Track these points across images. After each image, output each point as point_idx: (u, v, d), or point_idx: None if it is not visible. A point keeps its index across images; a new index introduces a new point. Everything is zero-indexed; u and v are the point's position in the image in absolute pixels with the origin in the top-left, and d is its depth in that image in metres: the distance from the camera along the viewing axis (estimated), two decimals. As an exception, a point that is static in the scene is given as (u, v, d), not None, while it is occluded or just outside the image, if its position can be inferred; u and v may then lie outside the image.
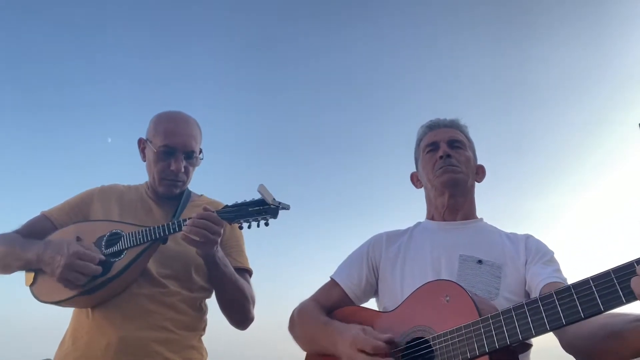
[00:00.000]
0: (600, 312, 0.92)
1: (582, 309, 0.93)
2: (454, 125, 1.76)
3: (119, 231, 1.84)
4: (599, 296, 0.91)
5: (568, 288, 0.97)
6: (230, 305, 1.90)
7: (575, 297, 0.95)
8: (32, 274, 1.85)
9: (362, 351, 1.25)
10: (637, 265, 0.88)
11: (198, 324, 1.91)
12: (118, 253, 1.78)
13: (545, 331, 1.00)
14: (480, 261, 1.50)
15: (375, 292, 1.65)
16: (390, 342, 1.26)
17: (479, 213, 1.72)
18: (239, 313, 1.92)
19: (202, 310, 1.94)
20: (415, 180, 1.83)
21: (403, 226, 1.75)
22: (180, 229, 1.73)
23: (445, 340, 1.17)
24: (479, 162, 1.78)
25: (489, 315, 1.10)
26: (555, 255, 1.53)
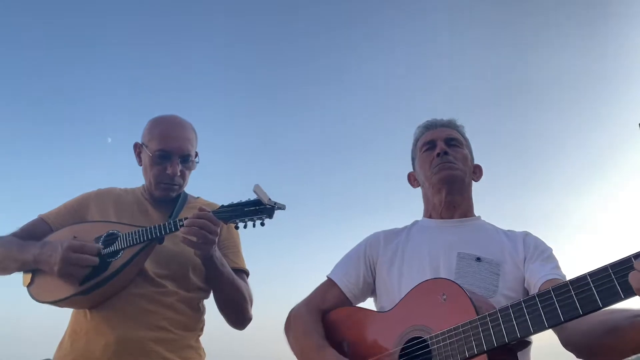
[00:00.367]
0: (599, 309, 0.91)
1: (580, 306, 0.92)
2: (450, 124, 1.77)
3: (115, 231, 1.85)
4: (597, 292, 0.90)
5: (566, 284, 0.96)
6: (228, 306, 1.90)
7: (573, 293, 0.94)
8: (29, 275, 1.85)
9: None
10: (635, 260, 0.87)
11: (196, 324, 1.91)
12: (115, 253, 1.79)
13: (543, 329, 0.99)
14: (478, 259, 1.49)
15: (372, 292, 1.64)
16: None
17: (477, 212, 1.71)
18: (237, 313, 1.92)
19: (200, 311, 1.93)
20: (412, 180, 1.82)
21: (400, 225, 1.74)
22: (176, 229, 1.73)
23: (443, 340, 1.16)
24: (476, 162, 1.77)
25: (487, 313, 1.09)
26: (554, 252, 1.52)
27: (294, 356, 1.52)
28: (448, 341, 1.15)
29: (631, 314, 1.05)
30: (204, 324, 1.96)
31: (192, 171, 2.02)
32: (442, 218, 1.66)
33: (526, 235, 1.58)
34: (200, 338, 1.93)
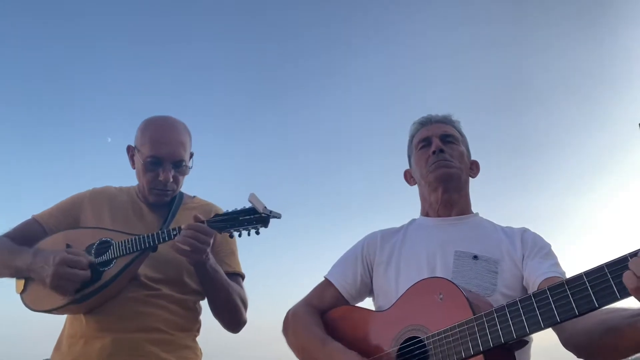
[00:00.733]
0: (595, 309, 0.89)
1: (576, 306, 0.91)
2: (446, 120, 1.74)
3: (108, 239, 1.82)
4: (593, 292, 0.88)
5: (562, 284, 0.95)
6: (221, 310, 1.89)
7: (569, 293, 0.92)
8: (22, 282, 1.84)
9: None
10: (631, 258, 0.85)
11: (192, 324, 1.90)
12: (108, 262, 1.77)
13: (539, 329, 0.98)
14: (475, 257, 1.47)
15: (370, 291, 1.62)
16: None
17: (476, 209, 1.69)
18: (231, 318, 1.91)
19: (196, 311, 1.92)
20: (408, 177, 1.80)
21: (398, 224, 1.73)
22: (170, 238, 1.72)
23: (439, 340, 1.15)
24: (476, 161, 1.75)
25: (483, 313, 1.08)
26: (553, 248, 1.50)
27: (295, 354, 1.51)
28: (444, 341, 1.14)
29: (630, 313, 1.03)
30: (200, 325, 1.95)
31: (190, 170, 1.99)
32: (439, 216, 1.64)
33: (524, 231, 1.55)
34: (198, 338, 1.92)
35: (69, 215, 1.95)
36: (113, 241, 1.81)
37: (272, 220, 1.68)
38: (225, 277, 1.84)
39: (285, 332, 1.58)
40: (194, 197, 2.11)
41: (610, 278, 0.87)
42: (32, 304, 1.80)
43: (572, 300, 0.91)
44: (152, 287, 1.80)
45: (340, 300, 1.58)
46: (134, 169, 1.98)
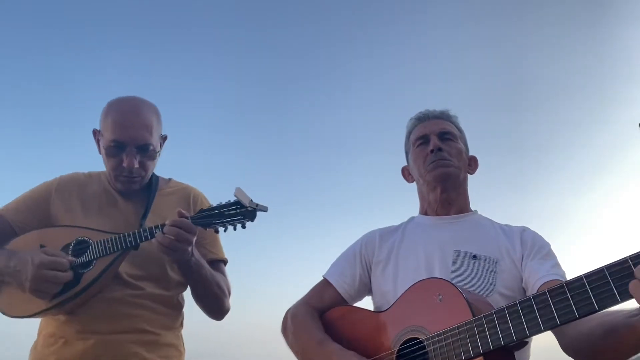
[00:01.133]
0: (595, 312, 0.88)
1: (576, 309, 0.90)
2: (443, 116, 1.71)
3: (86, 239, 1.73)
4: (593, 295, 0.87)
5: (562, 286, 0.93)
6: (205, 300, 1.84)
7: (569, 295, 0.91)
8: None
9: None
10: (634, 265, 0.84)
11: (175, 322, 1.84)
12: (87, 264, 1.69)
13: (539, 331, 0.97)
14: (474, 256, 1.45)
15: (369, 291, 1.61)
16: None
17: (476, 207, 1.68)
18: (215, 307, 1.86)
19: (179, 307, 1.87)
20: (406, 174, 1.77)
21: (397, 222, 1.71)
22: (152, 237, 1.65)
23: (439, 341, 1.14)
24: (474, 156, 1.73)
25: (482, 315, 1.07)
26: (553, 248, 1.49)
27: (294, 354, 1.50)
28: (444, 342, 1.13)
29: (628, 314, 1.02)
30: (183, 318, 1.89)
31: (159, 155, 1.86)
32: (437, 215, 1.63)
33: (523, 230, 1.54)
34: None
35: (37, 210, 1.82)
36: (91, 241, 1.71)
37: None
38: (209, 270, 1.78)
39: (284, 332, 1.57)
40: (170, 179, 2.00)
41: (610, 281, 0.85)
42: (8, 310, 1.71)
43: (572, 302, 0.90)
44: (135, 285, 1.73)
45: (339, 300, 1.56)
46: (100, 154, 1.85)
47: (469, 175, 1.70)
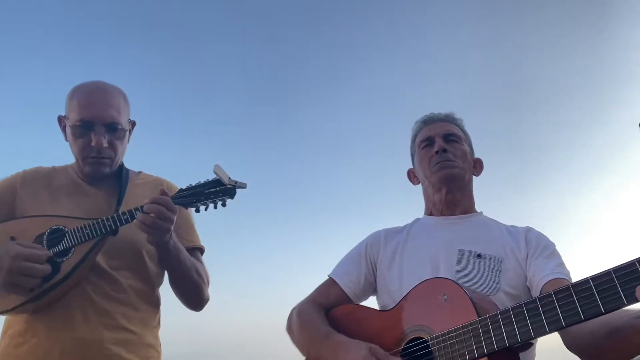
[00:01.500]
0: (601, 314, 0.88)
1: (582, 311, 0.89)
2: (448, 119, 1.72)
3: (61, 227, 1.66)
4: (599, 297, 0.87)
5: (567, 288, 0.93)
6: (184, 290, 1.79)
7: (575, 297, 0.91)
8: None
9: None
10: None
11: (153, 319, 1.79)
12: (65, 252, 1.62)
13: (544, 333, 0.97)
14: (479, 255, 1.45)
15: (374, 290, 1.61)
16: None
17: (480, 208, 1.68)
18: (194, 296, 1.81)
19: (157, 304, 1.82)
20: (412, 176, 1.78)
21: (402, 223, 1.72)
22: (133, 219, 1.59)
23: (443, 341, 1.14)
24: (476, 156, 1.74)
25: (487, 315, 1.07)
26: (557, 247, 1.49)
27: (299, 351, 1.50)
28: (448, 342, 1.13)
29: (633, 314, 1.02)
30: (160, 317, 1.84)
31: (130, 138, 1.81)
32: (442, 215, 1.63)
33: (528, 230, 1.54)
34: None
35: (2, 204, 1.74)
36: (67, 228, 1.64)
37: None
38: (188, 255, 1.74)
39: (289, 330, 1.57)
40: (140, 172, 1.95)
41: (617, 284, 0.85)
42: None
43: (578, 305, 0.90)
44: (113, 276, 1.67)
45: (345, 299, 1.57)
46: (67, 140, 1.79)
47: (474, 177, 1.70)
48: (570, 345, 1.23)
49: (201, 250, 1.90)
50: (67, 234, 1.65)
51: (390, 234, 1.65)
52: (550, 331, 0.96)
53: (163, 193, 1.60)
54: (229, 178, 1.57)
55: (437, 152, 1.61)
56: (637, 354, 1.07)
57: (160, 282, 1.83)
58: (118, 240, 1.67)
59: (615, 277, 0.86)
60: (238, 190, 1.62)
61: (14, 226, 1.68)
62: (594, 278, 0.89)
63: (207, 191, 1.60)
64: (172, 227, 1.60)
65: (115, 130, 1.72)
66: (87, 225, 1.63)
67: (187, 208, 1.65)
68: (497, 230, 1.57)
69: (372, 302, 1.62)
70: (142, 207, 1.59)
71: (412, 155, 1.78)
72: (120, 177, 1.81)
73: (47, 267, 1.56)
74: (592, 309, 0.88)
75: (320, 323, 1.47)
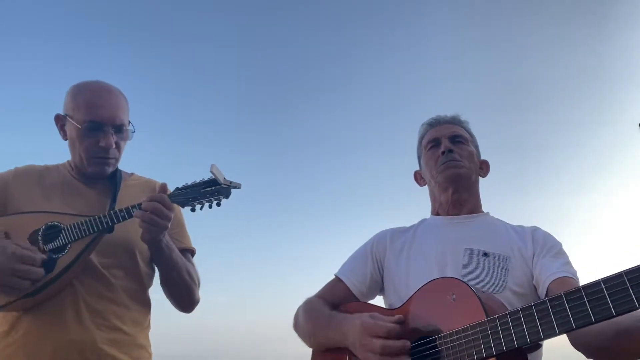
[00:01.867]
0: (612, 317, 0.87)
1: (593, 313, 0.88)
2: (455, 121, 1.73)
3: (56, 223, 1.65)
4: (610, 300, 0.86)
5: (578, 290, 0.92)
6: (175, 291, 1.78)
7: (585, 299, 0.90)
8: None
9: (376, 336, 1.22)
10: None
11: (144, 319, 1.78)
12: (61, 248, 1.62)
13: (554, 334, 0.95)
14: (486, 254, 1.45)
15: (380, 289, 1.61)
16: (400, 323, 1.24)
17: (485, 209, 1.68)
18: (185, 298, 1.80)
19: (147, 305, 1.81)
20: (418, 178, 1.79)
21: (406, 224, 1.72)
22: (130, 216, 1.60)
23: (451, 341, 1.14)
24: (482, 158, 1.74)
25: (496, 316, 1.06)
26: (571, 250, 1.49)
27: (306, 342, 1.51)
28: (457, 342, 1.12)
29: None
30: (150, 318, 1.83)
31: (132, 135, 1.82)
32: (449, 215, 1.63)
33: (535, 230, 1.54)
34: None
35: None
36: (62, 225, 1.64)
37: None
38: (180, 255, 1.74)
39: (295, 326, 1.57)
40: (132, 174, 1.94)
41: (629, 286, 0.84)
42: None
43: (588, 307, 0.89)
44: (104, 275, 1.66)
45: (351, 298, 1.56)
46: (65, 139, 1.78)
47: (480, 179, 1.70)
48: (577, 343, 1.23)
49: (192, 252, 1.90)
50: (63, 231, 1.64)
51: (396, 234, 1.65)
52: (560, 333, 0.95)
53: (163, 189, 1.61)
54: (224, 178, 1.60)
55: (443, 153, 1.62)
56: None
57: (150, 284, 1.82)
58: (112, 239, 1.67)
59: (627, 279, 0.85)
60: (234, 191, 1.65)
61: (9, 222, 1.67)
62: (605, 280, 0.88)
63: (202, 190, 1.62)
64: (169, 225, 1.61)
65: (122, 132, 1.74)
66: (83, 222, 1.63)
67: (183, 207, 1.64)
68: (504, 229, 1.57)
69: (379, 302, 1.61)
70: (139, 204, 1.59)
71: (419, 157, 1.79)
72: (114, 177, 1.81)
73: (40, 271, 1.55)
74: (603, 311, 0.87)
75: (323, 309, 1.48)
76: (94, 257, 1.66)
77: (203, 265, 1.95)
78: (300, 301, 1.62)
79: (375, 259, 1.61)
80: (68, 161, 1.84)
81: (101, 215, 1.63)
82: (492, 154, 1.74)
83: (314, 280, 1.70)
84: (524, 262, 1.45)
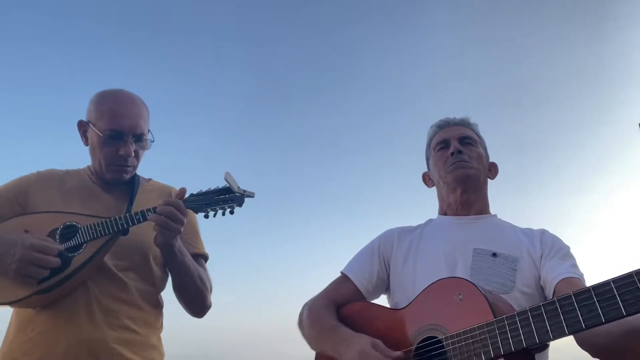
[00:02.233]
0: (623, 317, 0.85)
1: (602, 313, 0.87)
2: (463, 123, 1.74)
3: (74, 223, 1.69)
4: (621, 300, 0.85)
5: (587, 290, 0.91)
6: (187, 295, 1.79)
7: (595, 300, 0.89)
8: None
9: None
10: None
11: (156, 320, 1.80)
12: (77, 247, 1.65)
13: (563, 335, 0.94)
14: (494, 254, 1.45)
15: (386, 288, 1.61)
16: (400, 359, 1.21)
17: (493, 211, 1.67)
18: (197, 302, 1.81)
19: (159, 306, 1.83)
20: (427, 180, 1.79)
21: (412, 224, 1.71)
22: (145, 219, 1.63)
23: (458, 341, 1.13)
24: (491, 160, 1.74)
25: (504, 316, 1.05)
26: (572, 250, 1.48)
27: (309, 345, 1.51)
28: (464, 342, 1.11)
29: None
30: (162, 319, 1.85)
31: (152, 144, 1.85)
32: (457, 215, 1.62)
33: (543, 232, 1.54)
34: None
35: (14, 200, 1.76)
36: (79, 225, 1.68)
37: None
38: (192, 260, 1.75)
39: (299, 325, 1.57)
40: (150, 179, 1.98)
41: None
42: None
43: (598, 307, 0.88)
44: (118, 277, 1.69)
45: (357, 295, 1.56)
46: (86, 145, 1.83)
47: (489, 181, 1.70)
48: (583, 342, 1.21)
49: (205, 257, 1.92)
50: (79, 230, 1.68)
51: (403, 233, 1.65)
52: (570, 333, 0.94)
53: (180, 194, 1.63)
54: (239, 187, 1.62)
55: (452, 154, 1.62)
56: None
57: (163, 287, 1.84)
58: (126, 242, 1.70)
59: (638, 279, 0.84)
60: (246, 199, 1.66)
61: (29, 220, 1.71)
62: (615, 280, 0.87)
63: (216, 198, 1.64)
64: (182, 229, 1.63)
65: (141, 141, 1.79)
66: (99, 223, 1.66)
67: (197, 213, 1.67)
68: (512, 231, 1.57)
69: (382, 302, 1.61)
70: (154, 208, 1.62)
71: (427, 159, 1.79)
72: (132, 182, 1.85)
73: (57, 260, 1.59)
74: (613, 311, 0.86)
75: (328, 317, 1.47)
76: (108, 260, 1.69)
77: (208, 266, 1.95)
78: (303, 301, 1.63)
79: (382, 258, 1.61)
80: (88, 166, 1.88)
81: (117, 217, 1.66)
82: (492, 153, 1.75)
83: (317, 281, 1.70)
84: (532, 264, 1.44)
